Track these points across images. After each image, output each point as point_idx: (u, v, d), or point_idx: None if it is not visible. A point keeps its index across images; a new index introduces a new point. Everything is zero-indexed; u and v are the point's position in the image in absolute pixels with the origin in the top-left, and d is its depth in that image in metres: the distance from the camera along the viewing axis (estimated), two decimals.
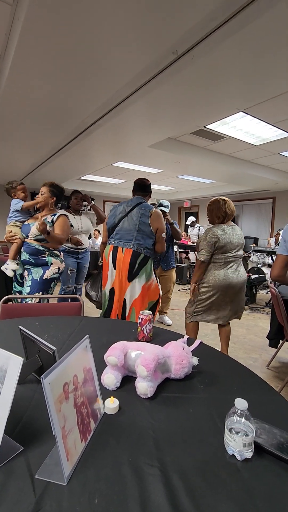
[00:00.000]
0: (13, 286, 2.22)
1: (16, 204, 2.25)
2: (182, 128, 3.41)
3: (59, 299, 2.83)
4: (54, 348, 0.72)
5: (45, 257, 2.11)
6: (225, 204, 2.16)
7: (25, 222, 2.19)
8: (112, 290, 2.10)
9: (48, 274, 2.08)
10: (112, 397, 0.71)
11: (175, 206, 10.45)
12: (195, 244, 3.64)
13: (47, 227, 1.93)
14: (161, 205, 3.15)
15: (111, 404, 0.70)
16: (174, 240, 3.37)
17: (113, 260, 2.07)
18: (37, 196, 2.25)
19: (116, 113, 2.84)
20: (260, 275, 4.89)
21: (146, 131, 3.39)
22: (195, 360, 0.88)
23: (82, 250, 3.06)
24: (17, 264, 2.17)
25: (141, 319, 1.12)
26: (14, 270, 2.18)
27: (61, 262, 2.19)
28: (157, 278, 3.30)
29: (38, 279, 2.05)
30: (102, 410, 0.70)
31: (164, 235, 2.11)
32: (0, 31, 1.90)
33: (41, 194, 2.17)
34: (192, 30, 1.66)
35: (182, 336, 1.18)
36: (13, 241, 2.16)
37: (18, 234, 2.15)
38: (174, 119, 3.04)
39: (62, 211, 2.45)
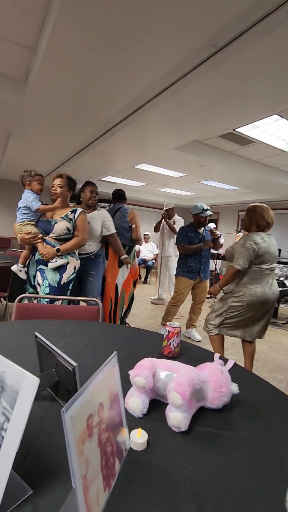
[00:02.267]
0: (25, 287, 2.03)
1: (32, 201, 1.94)
2: (211, 130, 3.27)
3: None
4: (74, 364, 0.61)
5: (63, 256, 1.92)
6: (269, 212, 2.00)
7: (42, 219, 1.99)
8: (103, 278, 2.67)
9: (65, 277, 1.89)
10: (140, 428, 0.59)
11: None
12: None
13: (52, 250, 1.86)
14: (203, 209, 2.95)
15: (139, 439, 0.58)
16: (212, 250, 3.17)
17: (106, 253, 2.70)
18: (52, 188, 1.98)
19: (143, 112, 2.76)
20: (284, 289, 4.64)
21: (173, 132, 3.28)
22: (235, 388, 0.74)
23: (84, 256, 2.40)
24: (26, 272, 2.00)
25: (168, 331, 1.00)
26: (27, 272, 2.01)
27: (77, 260, 1.99)
28: (193, 288, 3.12)
29: (56, 285, 1.86)
30: (127, 444, 0.58)
31: (134, 226, 2.77)
32: (33, 22, 1.86)
33: (59, 187, 1.94)
34: (234, 21, 1.54)
35: (213, 354, 1.05)
36: (35, 242, 1.91)
37: (39, 234, 1.94)
38: (203, 121, 2.91)
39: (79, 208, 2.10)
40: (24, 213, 1.97)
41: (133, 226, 2.77)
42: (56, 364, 0.68)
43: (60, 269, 1.89)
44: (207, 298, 3.17)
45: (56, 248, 1.88)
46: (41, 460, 0.53)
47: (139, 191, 8.21)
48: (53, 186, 1.97)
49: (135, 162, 4.90)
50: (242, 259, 1.90)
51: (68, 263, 1.91)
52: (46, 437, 0.59)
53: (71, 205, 2.13)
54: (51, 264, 1.87)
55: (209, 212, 2.93)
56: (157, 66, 2.04)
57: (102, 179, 6.80)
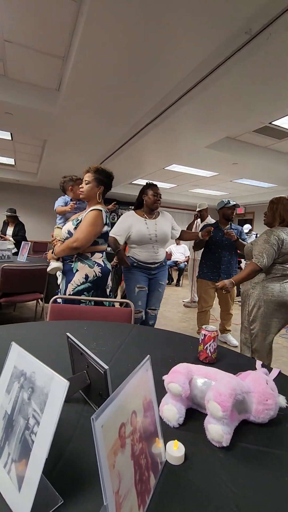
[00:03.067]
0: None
1: (57, 202, 1.98)
2: (244, 125, 3.13)
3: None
4: (106, 367, 0.58)
5: (72, 262, 1.66)
6: None
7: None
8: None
9: (70, 288, 1.63)
10: (176, 441, 0.54)
11: None
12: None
13: (50, 253, 1.70)
14: (228, 201, 2.85)
15: (176, 452, 0.53)
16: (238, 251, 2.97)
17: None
18: (80, 186, 1.73)
19: (173, 111, 2.71)
20: None
21: (203, 130, 3.20)
22: (282, 401, 0.66)
23: (157, 265, 2.29)
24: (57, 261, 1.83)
25: (204, 335, 0.94)
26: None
27: (92, 267, 1.64)
28: (216, 292, 2.98)
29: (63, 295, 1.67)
30: (163, 457, 0.53)
31: None
32: (64, 31, 1.92)
33: (85, 183, 1.69)
34: (268, 3, 1.44)
35: (254, 361, 0.96)
36: (54, 244, 1.80)
37: (58, 236, 1.82)
38: (236, 116, 2.79)
39: (131, 213, 2.01)
40: (57, 217, 2.02)
41: None
42: (87, 366, 0.66)
43: (67, 277, 1.66)
44: (235, 298, 2.95)
45: (52, 250, 1.72)
46: (72, 466, 0.51)
47: (170, 193, 8.15)
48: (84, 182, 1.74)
49: (165, 164, 4.86)
50: (266, 256, 1.70)
51: (77, 270, 1.63)
52: (78, 442, 0.57)
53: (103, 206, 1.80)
54: (48, 268, 1.72)
55: (233, 202, 2.79)
56: (188, 60, 2.00)
57: (133, 182, 6.87)
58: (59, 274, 1.89)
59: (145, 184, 2.34)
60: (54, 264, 1.69)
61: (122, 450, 0.40)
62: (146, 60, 2.01)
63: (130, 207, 9.14)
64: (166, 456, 0.53)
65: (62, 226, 1.92)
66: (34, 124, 3.36)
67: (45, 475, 0.47)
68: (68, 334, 0.71)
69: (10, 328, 1.13)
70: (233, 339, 3.07)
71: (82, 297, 1.66)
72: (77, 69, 2.19)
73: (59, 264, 1.69)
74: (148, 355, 0.54)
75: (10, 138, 4.32)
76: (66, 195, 2.10)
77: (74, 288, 1.63)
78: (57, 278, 1.90)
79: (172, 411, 0.63)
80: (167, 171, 5.48)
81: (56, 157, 4.83)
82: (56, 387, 0.44)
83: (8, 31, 2.02)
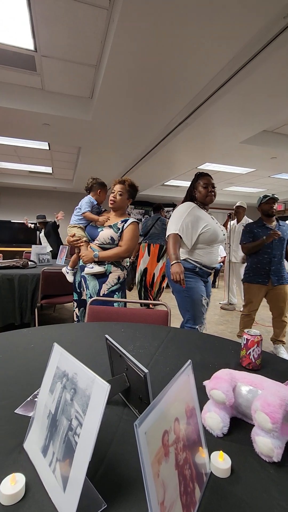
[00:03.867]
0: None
1: (86, 203, 1.87)
2: (283, 117, 2.94)
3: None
4: (146, 370, 0.56)
5: (103, 264, 1.79)
6: None
7: (91, 224, 1.89)
8: (145, 269, 3.97)
9: (105, 288, 1.76)
10: (221, 451, 0.51)
11: None
12: None
13: (92, 256, 1.75)
14: (264, 196, 2.73)
15: (221, 463, 0.50)
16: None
17: (148, 251, 3.91)
18: (112, 194, 1.82)
19: (206, 107, 2.65)
20: None
21: (239, 125, 3.07)
22: None
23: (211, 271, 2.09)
24: (74, 274, 1.93)
25: (247, 340, 0.88)
26: (74, 276, 1.94)
27: (122, 270, 1.83)
28: (265, 296, 2.73)
29: (95, 296, 1.73)
30: (207, 468, 0.50)
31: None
32: (96, 39, 1.97)
33: (118, 194, 1.79)
34: None
35: None
36: (78, 245, 1.83)
37: (84, 237, 1.85)
38: (274, 107, 2.63)
39: (193, 205, 1.79)
40: (76, 215, 1.91)
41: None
42: (126, 368, 0.65)
43: (100, 278, 1.77)
44: None
45: (94, 253, 1.76)
46: (114, 470, 0.50)
47: None
48: (113, 192, 1.82)
49: (198, 163, 4.77)
50: None
51: (110, 273, 1.78)
52: (119, 445, 0.56)
53: (128, 215, 1.94)
54: (87, 269, 1.77)
55: (270, 196, 2.65)
56: (222, 53, 1.93)
57: (165, 183, 6.84)
58: (67, 272, 1.98)
59: (194, 176, 2.01)
60: (98, 269, 1.76)
61: (166, 459, 0.39)
62: (178, 59, 1.99)
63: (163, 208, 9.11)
64: (211, 468, 0.50)
65: (84, 226, 1.90)
66: (69, 132, 3.50)
67: (88, 477, 0.47)
68: (107, 336, 0.72)
69: (51, 328, 1.18)
70: (285, 353, 2.71)
71: (118, 299, 1.72)
72: (109, 75, 2.23)
73: (103, 269, 1.77)
74: (190, 360, 0.52)
75: (48, 148, 4.56)
76: (90, 195, 1.99)
77: (109, 288, 1.78)
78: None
79: (215, 419, 0.60)
80: (201, 170, 5.37)
81: (90, 162, 4.99)
82: (97, 389, 0.44)
83: (44, 47, 2.13)
